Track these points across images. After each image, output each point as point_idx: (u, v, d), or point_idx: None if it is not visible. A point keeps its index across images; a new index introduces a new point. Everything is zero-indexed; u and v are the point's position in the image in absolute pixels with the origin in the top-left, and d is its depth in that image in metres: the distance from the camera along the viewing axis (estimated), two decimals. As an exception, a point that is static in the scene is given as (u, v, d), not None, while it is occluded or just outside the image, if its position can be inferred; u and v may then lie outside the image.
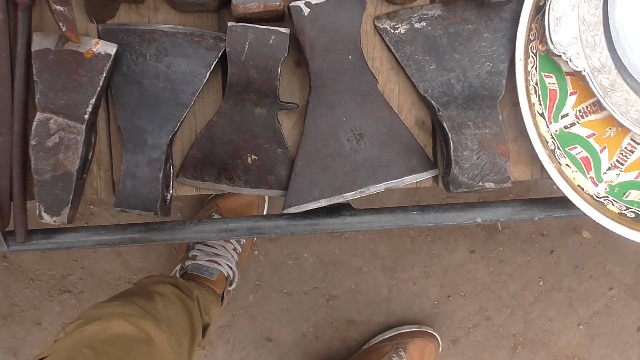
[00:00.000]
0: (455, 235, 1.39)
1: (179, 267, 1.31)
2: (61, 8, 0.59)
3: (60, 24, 0.59)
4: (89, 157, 0.68)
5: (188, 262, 1.30)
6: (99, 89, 0.64)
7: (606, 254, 1.39)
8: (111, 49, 0.64)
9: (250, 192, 0.69)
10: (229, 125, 0.68)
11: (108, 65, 0.64)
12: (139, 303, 0.93)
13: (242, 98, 0.67)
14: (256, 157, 0.68)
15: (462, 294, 1.40)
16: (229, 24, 0.64)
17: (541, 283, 1.40)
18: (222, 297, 1.30)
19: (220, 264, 1.30)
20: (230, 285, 1.32)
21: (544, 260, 1.40)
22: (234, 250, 1.33)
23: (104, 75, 0.64)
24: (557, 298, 1.40)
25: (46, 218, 0.65)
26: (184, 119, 0.67)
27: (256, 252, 1.39)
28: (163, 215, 0.67)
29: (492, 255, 1.40)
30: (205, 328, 1.09)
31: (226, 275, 1.30)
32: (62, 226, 0.68)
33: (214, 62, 0.66)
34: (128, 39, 0.66)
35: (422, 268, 1.40)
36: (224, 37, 0.65)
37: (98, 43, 0.64)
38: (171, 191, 0.69)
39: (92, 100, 0.64)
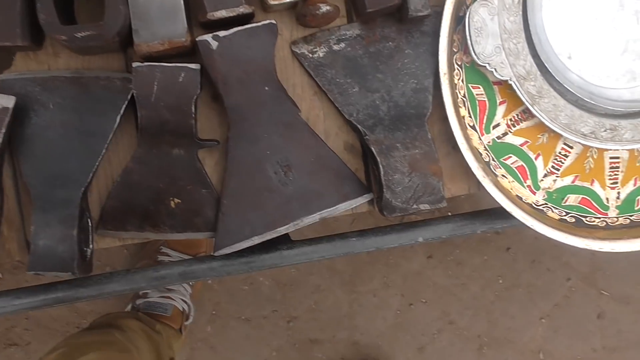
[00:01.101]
0: (411, 242, 1.38)
1: (130, 306, 1.26)
2: None
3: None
4: (-2, 219, 0.63)
5: (139, 301, 1.25)
6: (-1, 145, 0.60)
7: (561, 245, 1.39)
8: (9, 101, 0.59)
9: (177, 237, 0.66)
10: (147, 170, 0.64)
11: (7, 119, 0.59)
12: (115, 334, 0.90)
13: (157, 141, 0.63)
14: (179, 200, 0.65)
15: (424, 301, 1.39)
16: (134, 64, 0.60)
17: (500, 281, 1.40)
18: (180, 333, 1.25)
19: (173, 299, 1.26)
20: (187, 319, 1.27)
21: (501, 258, 1.40)
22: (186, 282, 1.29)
23: (4, 130, 0.59)
24: (518, 294, 1.41)
25: (-47, 290, 0.60)
26: (96, 169, 0.63)
27: (210, 281, 1.35)
28: (83, 273, 0.62)
29: (450, 259, 1.39)
30: None
31: (181, 309, 1.26)
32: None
33: (124, 105, 0.62)
34: (27, 89, 0.61)
35: (380, 279, 1.38)
36: (131, 77, 0.61)
37: (-6, 96, 0.60)
38: (91, 246, 0.64)
39: (-7, 159, 0.60)
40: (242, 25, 0.61)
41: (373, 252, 1.36)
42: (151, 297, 1.24)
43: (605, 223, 0.69)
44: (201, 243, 1.30)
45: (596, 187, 0.68)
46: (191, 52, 0.63)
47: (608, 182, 0.69)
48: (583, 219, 0.69)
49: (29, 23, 0.58)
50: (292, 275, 1.36)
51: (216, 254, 0.65)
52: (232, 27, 0.61)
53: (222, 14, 0.60)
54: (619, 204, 0.68)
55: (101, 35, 0.57)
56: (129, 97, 0.62)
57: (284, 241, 0.69)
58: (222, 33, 0.60)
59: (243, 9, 0.60)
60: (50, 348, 0.82)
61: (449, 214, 0.94)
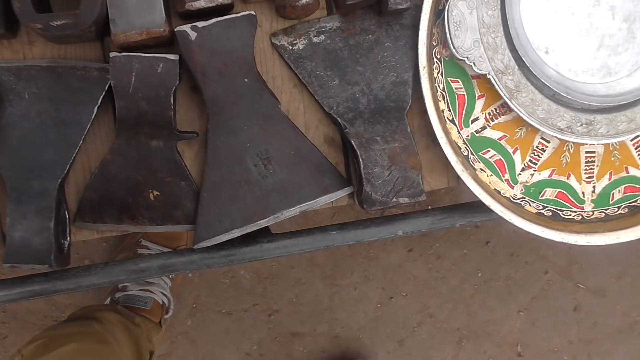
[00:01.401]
0: (392, 236, 1.38)
1: (109, 299, 1.25)
2: None
3: None
4: (-28, 210, 0.62)
5: (119, 294, 1.23)
6: (-27, 136, 0.59)
7: (539, 239, 1.41)
8: (-18, 91, 0.59)
9: (156, 229, 0.65)
10: (125, 162, 0.63)
11: (-20, 109, 0.58)
12: (94, 325, 0.90)
13: (135, 132, 0.62)
14: (158, 193, 0.64)
15: (404, 294, 1.40)
16: (111, 54, 0.59)
17: (480, 274, 1.41)
18: (160, 326, 1.24)
19: (153, 292, 1.25)
20: (167, 313, 1.27)
21: (481, 251, 1.41)
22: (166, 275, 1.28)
23: (-23, 120, 0.58)
24: (496, 287, 1.42)
25: None
26: (74, 160, 0.62)
27: (190, 275, 1.34)
28: (60, 265, 0.61)
29: (430, 252, 1.40)
30: (150, 355, 1.06)
31: (161, 303, 1.25)
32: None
33: (101, 96, 0.61)
34: (2, 78, 0.60)
35: (361, 272, 1.38)
36: (109, 67, 0.60)
37: (-32, 85, 0.59)
38: (68, 238, 0.63)
39: (-33, 149, 0.58)
40: (221, 15, 0.61)
41: (354, 246, 1.36)
42: (130, 290, 1.23)
43: (581, 217, 0.70)
44: (181, 236, 1.29)
45: (572, 181, 0.69)
46: (169, 42, 0.62)
47: (584, 176, 0.70)
48: (559, 212, 0.70)
49: (3, 11, 0.57)
50: (272, 268, 1.36)
51: (196, 246, 0.64)
52: (211, 18, 0.60)
53: (201, 4, 0.59)
54: (594, 197, 0.70)
55: (77, 24, 0.56)
56: (106, 87, 0.61)
57: (265, 234, 0.69)
58: (201, 24, 0.60)
59: (222, 0, 0.59)
60: (28, 340, 0.81)
61: (429, 207, 0.95)
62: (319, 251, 1.36)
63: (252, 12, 0.61)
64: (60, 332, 0.86)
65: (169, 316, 1.26)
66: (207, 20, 0.60)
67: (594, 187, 0.70)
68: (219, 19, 0.60)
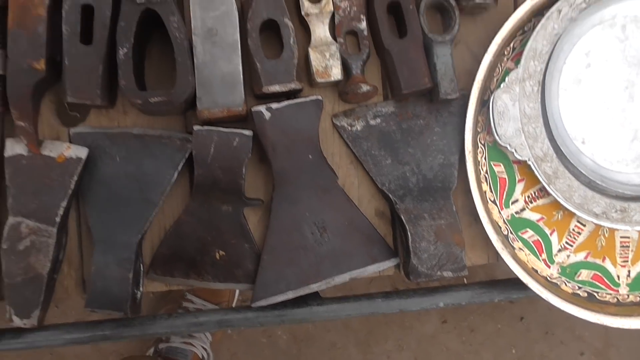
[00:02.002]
0: (427, 306, 1.40)
1: (152, 350, 1.30)
2: (22, 124, 0.62)
3: (22, 137, 0.62)
4: (60, 258, 0.69)
5: (162, 345, 1.29)
6: (70, 192, 0.67)
7: (574, 317, 1.41)
8: (82, 152, 0.67)
9: (218, 286, 0.71)
10: (197, 223, 0.70)
11: (79, 169, 0.67)
12: None
13: (209, 196, 0.70)
14: (224, 253, 0.70)
15: (437, 365, 1.41)
16: (195, 127, 0.67)
17: (513, 351, 1.42)
18: (196, 379, 1.28)
19: (194, 346, 1.29)
20: (205, 366, 1.31)
21: (515, 327, 1.42)
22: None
23: (75, 178, 0.67)
24: (530, 365, 1.42)
25: (16, 321, 0.65)
26: (153, 218, 0.69)
27: (229, 331, 1.38)
28: (133, 314, 0.68)
29: (464, 325, 1.41)
30: None
31: (200, 357, 1.30)
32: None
33: (182, 163, 0.69)
34: (98, 142, 0.69)
35: (395, 341, 1.40)
36: (190, 138, 0.69)
37: (69, 147, 0.67)
38: (141, 289, 0.70)
39: (64, 204, 0.66)
40: (291, 98, 0.69)
41: (389, 313, 1.39)
42: (173, 342, 1.28)
43: (616, 299, 0.73)
44: (224, 292, 1.34)
45: (607, 265, 0.73)
46: (244, 118, 0.70)
47: (619, 260, 0.73)
48: (595, 294, 0.73)
49: (107, 85, 0.66)
50: (309, 331, 1.39)
51: (254, 305, 0.70)
52: (282, 100, 0.68)
53: (276, 88, 0.67)
54: (629, 282, 0.73)
55: (171, 102, 0.65)
56: (187, 155, 0.69)
57: (314, 298, 0.73)
58: (274, 105, 0.68)
59: (294, 85, 0.68)
60: None
61: (465, 281, 0.98)
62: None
63: (320, 97, 0.69)
64: None
65: (206, 370, 1.30)
66: (280, 102, 0.68)
67: (629, 271, 0.73)
68: (290, 101, 0.68)
